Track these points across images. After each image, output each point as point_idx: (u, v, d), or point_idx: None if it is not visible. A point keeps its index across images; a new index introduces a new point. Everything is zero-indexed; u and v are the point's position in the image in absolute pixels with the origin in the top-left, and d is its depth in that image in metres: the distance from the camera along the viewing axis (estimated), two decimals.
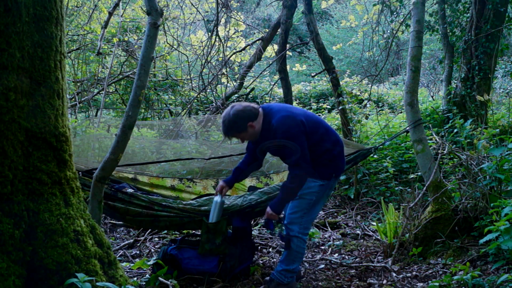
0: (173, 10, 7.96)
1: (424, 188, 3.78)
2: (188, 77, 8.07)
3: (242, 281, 3.31)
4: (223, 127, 2.97)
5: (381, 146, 5.08)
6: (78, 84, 8.15)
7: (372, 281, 3.30)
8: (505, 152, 3.44)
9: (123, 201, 3.24)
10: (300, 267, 3.44)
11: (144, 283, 3.04)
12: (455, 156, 4.17)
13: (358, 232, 4.56)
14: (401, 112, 8.12)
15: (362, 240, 4.35)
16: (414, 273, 3.36)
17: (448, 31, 7.08)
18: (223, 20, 7.39)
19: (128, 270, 3.49)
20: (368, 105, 7.03)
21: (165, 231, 4.41)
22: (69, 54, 7.56)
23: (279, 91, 9.63)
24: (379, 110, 8.03)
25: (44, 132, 2.15)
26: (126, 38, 7.82)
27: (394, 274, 3.35)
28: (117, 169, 3.29)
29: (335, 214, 5.31)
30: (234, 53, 7.76)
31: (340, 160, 3.15)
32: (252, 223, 4.56)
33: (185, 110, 7.86)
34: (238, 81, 8.00)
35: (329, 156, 3.04)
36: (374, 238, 4.34)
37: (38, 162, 2.13)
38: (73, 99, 7.52)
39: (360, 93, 7.69)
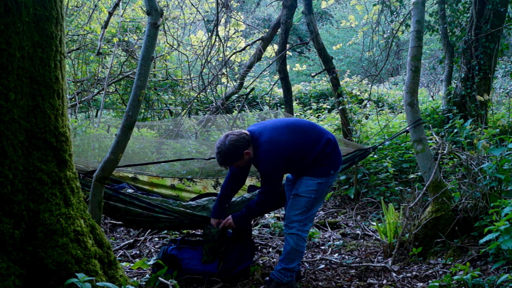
0: (173, 10, 7.96)
1: (424, 188, 3.78)
2: (188, 77, 8.07)
3: (242, 281, 3.30)
4: (219, 157, 3.01)
5: (380, 146, 5.08)
6: (78, 84, 8.14)
7: (372, 281, 3.30)
8: (505, 152, 3.43)
9: (124, 201, 3.24)
10: (300, 267, 3.44)
11: (144, 283, 3.04)
12: (455, 156, 4.17)
13: (358, 232, 4.56)
14: (401, 112, 8.12)
15: (362, 240, 4.35)
16: (414, 273, 3.36)
17: (448, 31, 7.08)
18: (223, 20, 7.39)
19: (128, 270, 3.49)
20: (368, 105, 7.02)
21: (165, 231, 4.41)
22: (69, 54, 7.55)
23: (279, 91, 9.64)
24: (379, 110, 8.04)
25: (44, 132, 2.15)
26: (126, 38, 7.82)
27: (394, 274, 3.35)
28: (117, 169, 3.29)
29: (335, 214, 5.31)
30: (234, 53, 7.76)
31: (335, 155, 3.16)
32: (252, 223, 4.56)
33: (185, 110, 7.86)
34: (238, 81, 8.00)
35: (322, 155, 3.07)
36: (374, 238, 4.34)
37: (38, 162, 2.13)
38: (73, 99, 7.51)
39: (360, 93, 7.68)
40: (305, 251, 3.99)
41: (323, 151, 3.07)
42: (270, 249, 4.11)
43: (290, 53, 9.44)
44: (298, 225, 3.08)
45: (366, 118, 6.41)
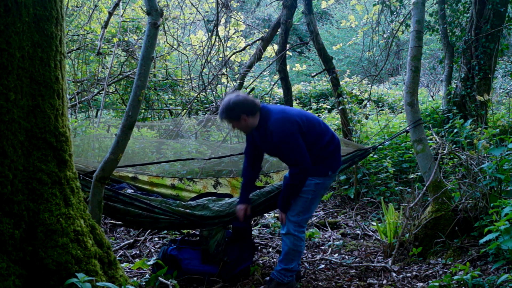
0: (173, 10, 7.95)
1: (424, 188, 3.78)
2: (188, 77, 8.07)
3: (242, 281, 3.31)
4: (220, 108, 3.03)
5: (380, 146, 5.08)
6: (78, 84, 8.14)
7: (372, 281, 3.30)
8: (505, 152, 3.44)
9: (123, 202, 3.23)
10: (300, 267, 3.44)
11: (144, 283, 3.04)
12: (455, 156, 4.17)
13: (358, 232, 4.56)
14: (401, 112, 8.13)
15: (362, 240, 4.35)
16: (414, 273, 3.36)
17: (448, 31, 7.08)
18: (223, 20, 7.39)
19: (128, 270, 3.49)
20: (368, 105, 7.03)
21: (165, 231, 4.42)
22: (69, 54, 7.55)
23: (279, 91, 9.63)
24: (379, 110, 8.04)
25: (44, 132, 2.15)
26: (126, 38, 7.82)
27: (394, 274, 3.35)
28: (117, 169, 3.29)
29: (335, 214, 5.31)
30: (234, 53, 7.75)
31: (336, 156, 3.17)
32: (252, 223, 4.56)
33: (185, 110, 7.86)
34: (238, 81, 7.98)
35: (325, 153, 3.07)
36: (374, 238, 4.34)
37: (38, 162, 2.13)
38: (73, 99, 7.52)
39: (360, 93, 7.69)
40: (305, 251, 4.00)
41: (327, 147, 3.07)
42: (270, 249, 4.11)
43: (290, 53, 9.43)
44: (294, 226, 3.08)
45: (366, 118, 6.42)
